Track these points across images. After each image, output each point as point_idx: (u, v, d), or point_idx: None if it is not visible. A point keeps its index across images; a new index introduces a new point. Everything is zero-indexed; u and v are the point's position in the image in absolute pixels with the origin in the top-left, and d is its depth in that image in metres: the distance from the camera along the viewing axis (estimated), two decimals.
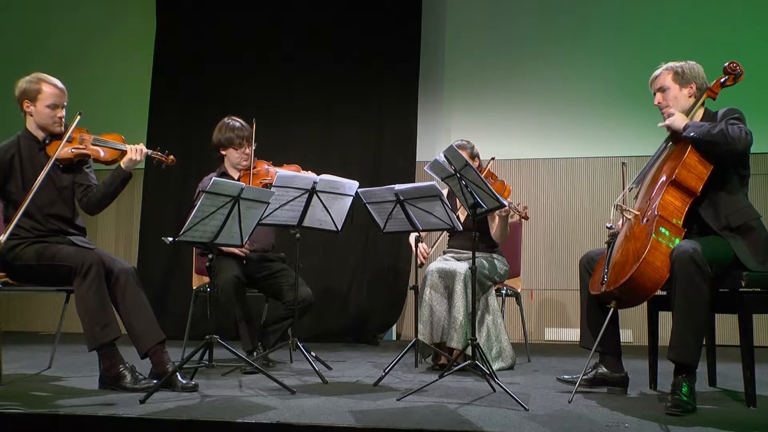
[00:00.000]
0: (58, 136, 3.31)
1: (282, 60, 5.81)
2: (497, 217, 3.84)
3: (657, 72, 3.12)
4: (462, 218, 3.80)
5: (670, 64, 3.09)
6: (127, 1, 6.38)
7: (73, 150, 3.28)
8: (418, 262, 3.88)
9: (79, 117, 3.25)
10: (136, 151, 3.32)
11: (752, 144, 2.82)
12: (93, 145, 3.33)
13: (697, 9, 5.46)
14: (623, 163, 3.26)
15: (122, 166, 3.31)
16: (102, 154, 3.33)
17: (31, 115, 3.29)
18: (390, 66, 5.68)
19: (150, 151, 3.41)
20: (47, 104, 3.25)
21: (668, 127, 3.00)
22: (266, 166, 4.05)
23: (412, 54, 5.68)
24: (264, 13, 5.87)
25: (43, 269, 3.17)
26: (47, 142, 3.32)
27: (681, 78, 3.05)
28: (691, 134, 2.86)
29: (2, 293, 3.37)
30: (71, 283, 3.12)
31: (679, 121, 2.94)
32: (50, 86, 3.27)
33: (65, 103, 3.32)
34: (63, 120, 3.32)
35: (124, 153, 3.33)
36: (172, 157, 3.49)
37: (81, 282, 3.06)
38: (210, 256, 3.17)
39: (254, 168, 4.04)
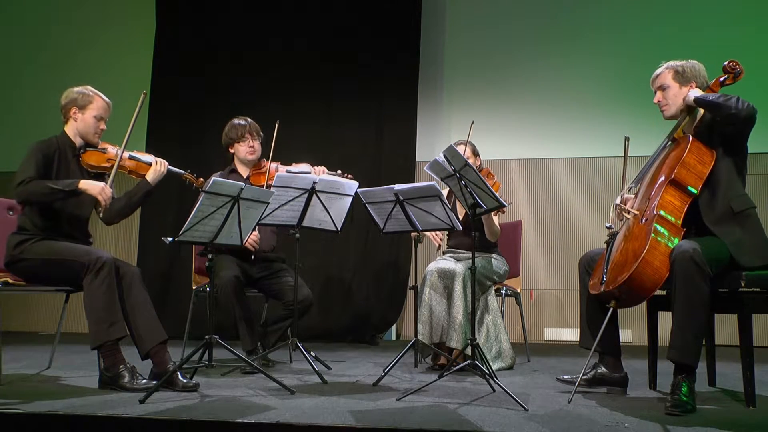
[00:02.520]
0: (93, 147, 3.44)
1: (282, 60, 5.81)
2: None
3: (658, 71, 3.13)
4: (460, 217, 3.80)
5: (671, 62, 3.10)
6: (127, 1, 6.39)
7: (109, 161, 3.41)
8: (436, 245, 3.90)
9: (143, 96, 3.44)
10: (159, 162, 3.49)
11: (755, 118, 2.82)
12: (129, 159, 3.47)
13: (697, 8, 5.47)
14: (626, 138, 3.23)
15: (148, 178, 3.45)
16: (135, 168, 3.46)
17: (75, 122, 3.40)
18: (390, 66, 5.69)
19: (175, 169, 3.58)
20: (95, 114, 3.41)
21: (685, 104, 3.03)
22: (274, 165, 4.06)
23: (412, 54, 5.68)
24: (264, 13, 5.88)
25: (52, 264, 3.18)
26: (83, 150, 3.42)
27: (681, 77, 3.06)
28: (698, 96, 2.92)
29: (2, 293, 3.36)
30: (80, 280, 3.13)
31: (692, 95, 2.99)
32: (101, 99, 3.44)
33: (107, 118, 3.47)
34: (102, 133, 3.46)
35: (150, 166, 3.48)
36: (201, 179, 3.68)
37: (93, 279, 3.08)
38: (209, 256, 3.18)
39: (263, 167, 4.06)
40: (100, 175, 3.44)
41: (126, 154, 3.44)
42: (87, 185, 3.22)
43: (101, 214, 3.42)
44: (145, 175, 3.47)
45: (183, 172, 3.65)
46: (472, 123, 3.88)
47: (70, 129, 3.42)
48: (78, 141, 3.42)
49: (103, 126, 3.44)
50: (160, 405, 2.73)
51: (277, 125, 3.86)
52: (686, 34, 5.39)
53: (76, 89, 3.43)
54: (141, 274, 3.27)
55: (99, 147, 3.45)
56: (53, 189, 3.18)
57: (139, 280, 3.22)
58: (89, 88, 3.45)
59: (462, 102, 5.83)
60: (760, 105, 2.87)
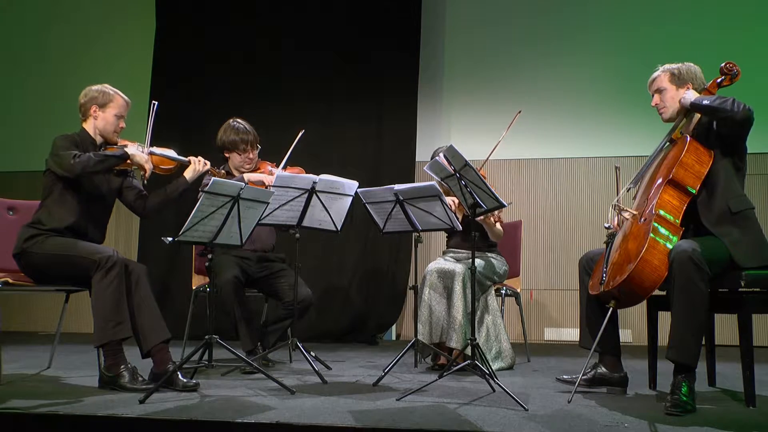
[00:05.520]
0: (113, 145, 3.46)
1: (282, 60, 5.82)
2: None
3: (655, 74, 3.16)
4: (460, 217, 3.80)
5: (667, 65, 3.13)
6: (127, 1, 6.39)
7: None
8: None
9: (156, 105, 3.52)
10: (200, 162, 3.54)
11: (752, 120, 2.83)
12: (150, 155, 3.47)
13: (696, 9, 5.47)
14: (616, 167, 3.27)
15: (186, 176, 3.51)
16: (158, 162, 3.47)
17: (96, 120, 3.42)
18: (390, 66, 5.68)
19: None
20: (115, 113, 3.44)
21: (681, 106, 3.03)
22: (270, 168, 4.06)
23: (412, 54, 5.68)
24: (264, 14, 5.87)
25: (61, 260, 3.19)
26: (103, 149, 3.44)
27: (678, 79, 3.08)
28: (694, 100, 2.93)
29: (2, 293, 3.37)
30: (88, 278, 3.13)
31: (688, 97, 2.99)
32: (121, 98, 3.46)
33: (126, 116, 3.51)
34: (122, 131, 3.50)
35: (181, 165, 3.52)
36: (224, 171, 3.76)
37: (103, 277, 3.09)
38: (209, 256, 3.18)
39: (258, 170, 4.05)
40: (122, 172, 3.47)
41: (148, 150, 3.45)
42: (135, 152, 3.33)
43: (133, 206, 3.48)
44: (170, 170, 3.50)
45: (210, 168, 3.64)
46: (519, 112, 3.84)
47: (90, 127, 3.43)
48: (98, 139, 3.43)
49: (122, 124, 3.47)
50: (160, 405, 2.73)
51: (300, 133, 3.91)
52: (685, 35, 5.39)
53: (95, 87, 3.44)
54: (147, 272, 3.27)
55: (119, 144, 3.45)
56: (106, 156, 3.27)
57: (145, 278, 3.23)
58: (108, 86, 3.46)
59: (462, 102, 5.83)
60: (758, 106, 2.88)
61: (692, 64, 3.10)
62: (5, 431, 2.54)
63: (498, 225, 3.90)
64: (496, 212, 3.59)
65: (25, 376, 3.54)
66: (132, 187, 3.52)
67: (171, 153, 3.53)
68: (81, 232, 3.32)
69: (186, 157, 3.54)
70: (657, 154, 3.12)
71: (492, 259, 3.97)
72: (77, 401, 2.80)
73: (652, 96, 3.17)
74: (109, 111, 3.41)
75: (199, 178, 3.57)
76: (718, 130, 2.91)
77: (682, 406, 2.64)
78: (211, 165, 3.63)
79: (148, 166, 3.36)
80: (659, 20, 5.50)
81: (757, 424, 2.55)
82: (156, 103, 3.54)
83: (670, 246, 2.77)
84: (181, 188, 3.52)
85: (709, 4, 5.46)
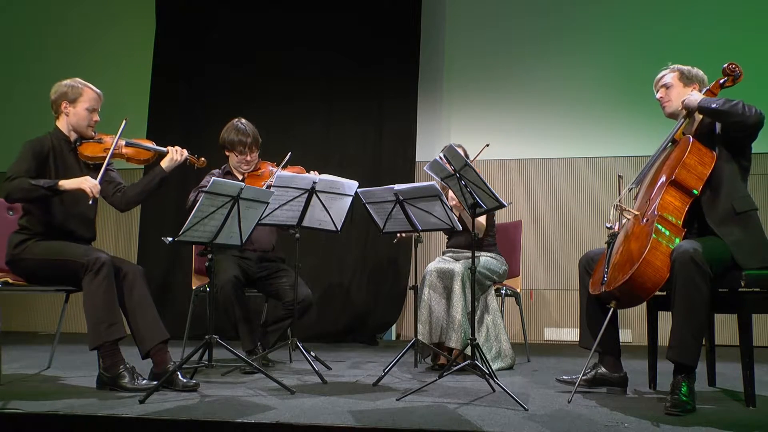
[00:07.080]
0: (89, 139, 3.40)
1: (282, 60, 5.82)
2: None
3: (663, 72, 3.20)
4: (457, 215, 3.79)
5: (677, 65, 3.18)
6: (127, 1, 6.39)
7: (106, 150, 3.37)
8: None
9: (125, 122, 3.40)
10: (177, 152, 3.47)
11: (763, 124, 2.83)
12: (126, 146, 3.43)
13: (697, 9, 5.46)
14: (619, 176, 3.28)
15: (163, 165, 3.43)
16: (135, 154, 3.43)
17: (67, 116, 3.37)
18: (390, 66, 5.68)
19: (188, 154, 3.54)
20: (86, 107, 3.37)
21: (685, 108, 3.03)
22: (270, 168, 4.05)
23: (412, 54, 5.68)
24: (264, 13, 5.88)
25: (51, 265, 3.18)
26: (79, 143, 3.39)
27: (686, 78, 3.13)
28: (702, 103, 2.93)
29: (2, 293, 3.36)
30: (79, 280, 3.12)
31: (693, 98, 3.00)
32: (91, 91, 3.40)
33: (99, 109, 3.44)
34: (96, 124, 3.43)
35: (159, 154, 3.46)
36: (203, 159, 3.65)
37: (92, 279, 3.07)
38: (209, 256, 3.18)
39: (259, 170, 4.05)
40: (99, 167, 3.38)
41: (123, 141, 3.40)
42: (67, 183, 3.14)
43: (111, 199, 3.42)
44: (147, 160, 3.46)
45: (188, 156, 3.57)
46: (487, 145, 3.85)
47: (63, 124, 3.37)
48: (72, 135, 3.38)
49: (96, 117, 3.40)
50: (160, 405, 2.73)
51: (288, 155, 3.84)
52: (686, 35, 5.38)
53: (65, 82, 3.37)
54: (143, 273, 3.26)
55: (95, 138, 3.40)
56: (33, 186, 3.10)
57: (141, 278, 3.21)
58: (78, 80, 3.39)
59: (462, 102, 5.83)
60: (759, 107, 2.88)
61: (699, 70, 3.15)
62: (5, 431, 2.54)
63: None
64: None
65: (25, 376, 3.54)
66: (110, 180, 3.44)
67: (148, 143, 3.48)
68: (68, 232, 3.30)
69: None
70: (659, 155, 3.12)
71: (491, 259, 3.97)
72: (77, 401, 2.80)
73: (657, 91, 3.20)
74: (80, 105, 3.34)
75: (187, 169, 3.52)
76: (729, 133, 2.90)
77: (682, 406, 2.64)
78: (198, 159, 3.60)
79: (87, 185, 3.13)
80: (660, 20, 5.50)
81: (757, 424, 2.54)
82: (126, 120, 3.42)
83: (672, 247, 2.77)
84: (158, 177, 3.44)
85: (710, 4, 5.45)
